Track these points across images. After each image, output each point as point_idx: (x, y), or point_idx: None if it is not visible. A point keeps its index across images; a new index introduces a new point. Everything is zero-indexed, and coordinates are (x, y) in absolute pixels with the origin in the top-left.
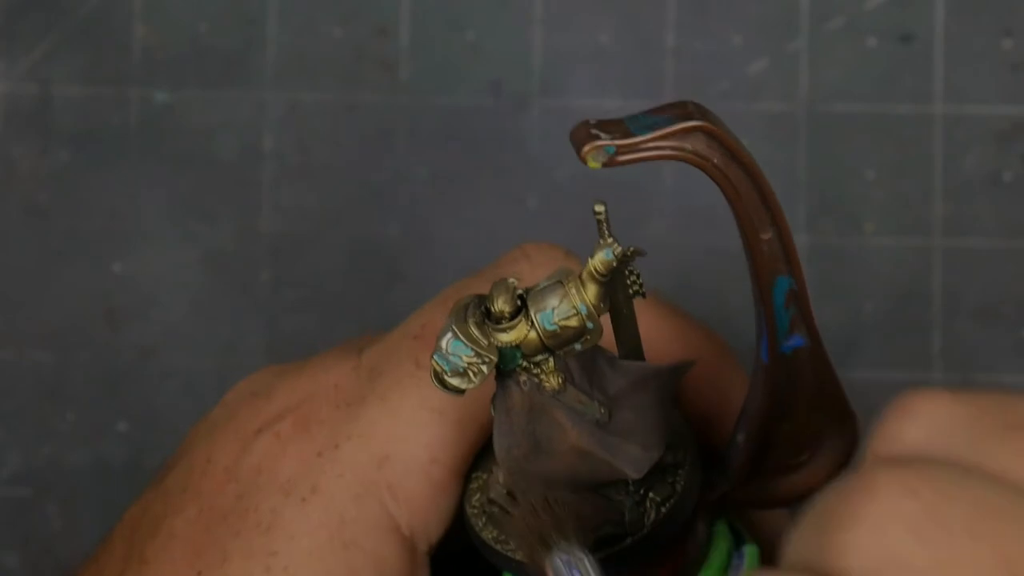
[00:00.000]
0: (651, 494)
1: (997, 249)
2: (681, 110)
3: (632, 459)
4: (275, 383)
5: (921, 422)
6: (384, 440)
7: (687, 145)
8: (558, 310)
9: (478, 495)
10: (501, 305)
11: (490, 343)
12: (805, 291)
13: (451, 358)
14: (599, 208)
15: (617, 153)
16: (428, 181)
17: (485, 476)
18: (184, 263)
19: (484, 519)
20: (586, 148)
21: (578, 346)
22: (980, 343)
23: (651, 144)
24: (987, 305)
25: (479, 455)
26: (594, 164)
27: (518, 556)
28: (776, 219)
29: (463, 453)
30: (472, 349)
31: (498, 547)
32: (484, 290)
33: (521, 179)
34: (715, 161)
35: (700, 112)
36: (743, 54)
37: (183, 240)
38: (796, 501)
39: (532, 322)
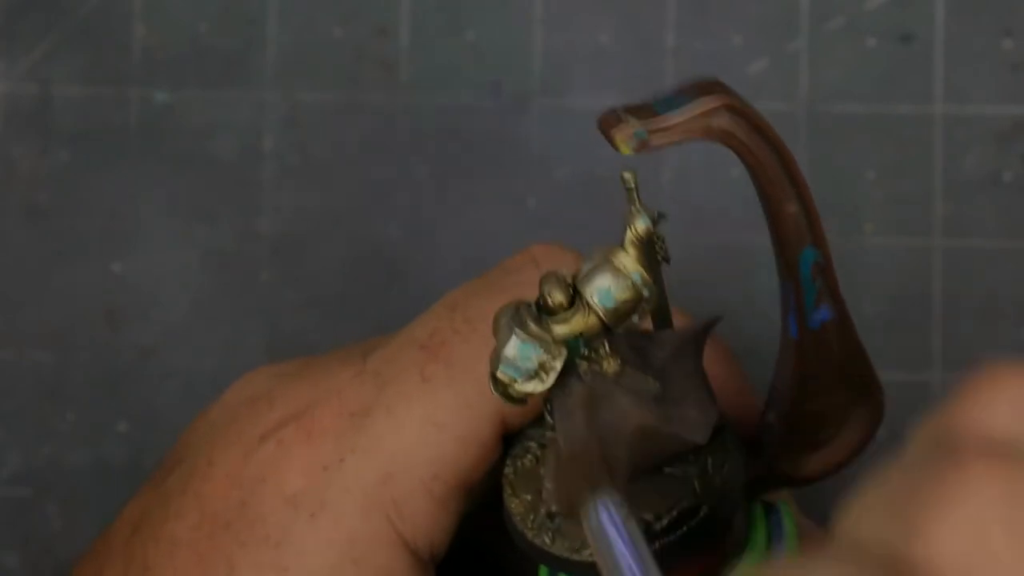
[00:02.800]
0: (710, 459)
1: (997, 249)
2: (704, 88)
3: (694, 425)
4: (276, 387)
5: (1011, 401)
6: (389, 456)
7: (713, 123)
8: (614, 286)
9: (532, 516)
10: (558, 297)
11: (554, 338)
12: (831, 263)
13: (521, 363)
14: (628, 176)
15: (648, 137)
16: (428, 181)
17: (530, 497)
18: (184, 263)
19: (550, 535)
20: (618, 135)
21: (635, 318)
22: (980, 343)
23: (680, 126)
24: (987, 305)
25: (510, 481)
26: (626, 150)
27: (594, 559)
28: (801, 191)
29: (464, 469)
30: (542, 347)
31: (576, 557)
32: (492, 295)
33: (521, 179)
34: (740, 136)
35: (722, 88)
36: (743, 54)
37: (183, 240)
38: (824, 477)
39: (589, 306)
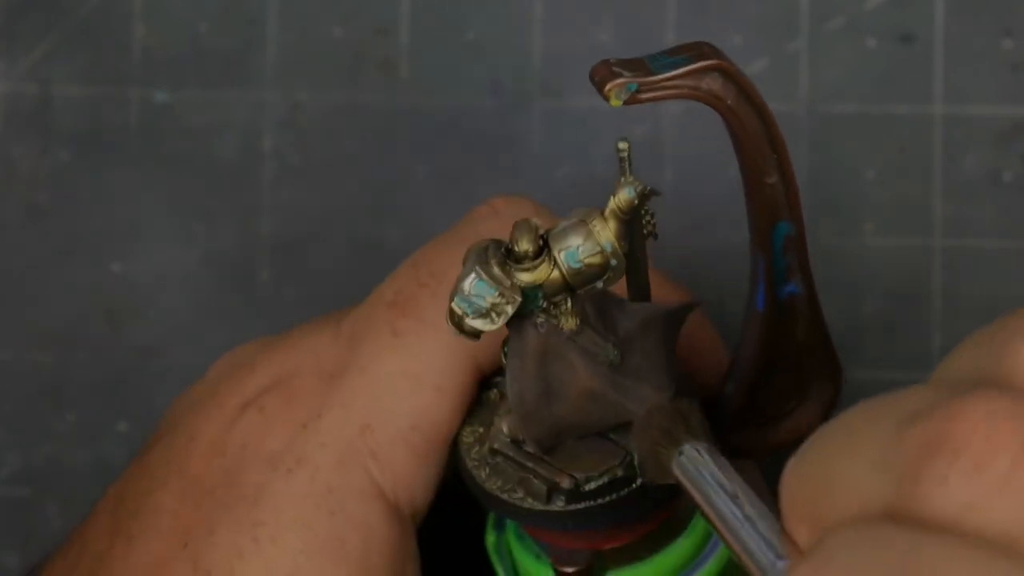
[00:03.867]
0: None
1: (997, 249)
2: (697, 50)
3: (643, 400)
4: (257, 355)
5: None
6: (365, 409)
7: (703, 84)
8: (582, 248)
9: (477, 448)
10: (525, 245)
11: (513, 283)
12: (804, 238)
13: (474, 299)
14: (622, 145)
15: (639, 91)
16: (428, 181)
17: (482, 429)
18: (184, 263)
19: (487, 470)
20: (609, 85)
21: (600, 284)
22: None
23: (671, 83)
24: (987, 305)
25: (471, 411)
26: (616, 102)
27: (527, 504)
28: (782, 163)
29: (443, 419)
30: (496, 289)
31: (504, 496)
32: (454, 247)
33: (521, 179)
34: (729, 101)
35: (715, 53)
36: (743, 54)
37: (183, 240)
38: (782, 450)
39: (555, 261)
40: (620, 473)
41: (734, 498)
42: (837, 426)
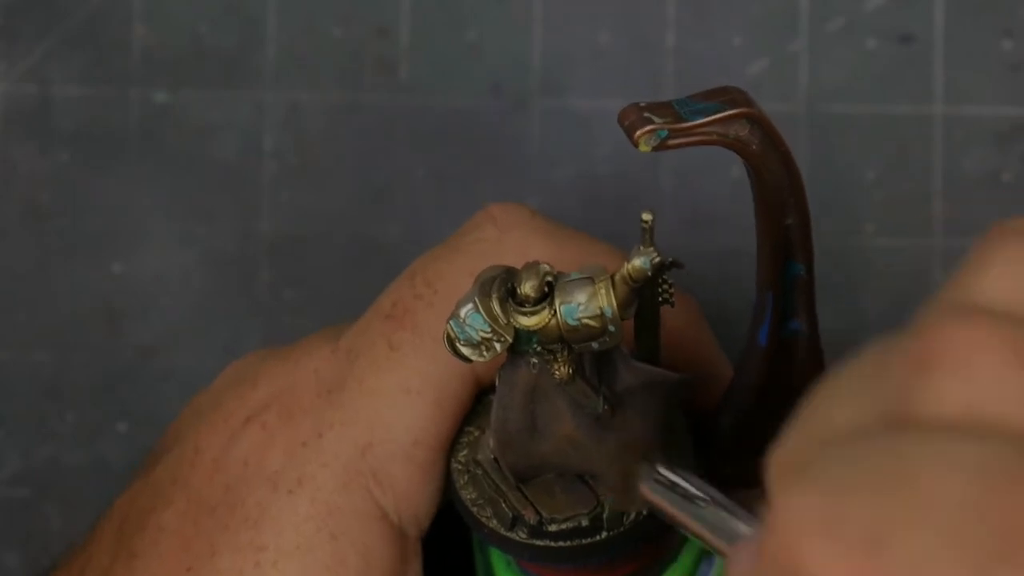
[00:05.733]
0: None
1: None
2: (726, 96)
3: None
4: (259, 370)
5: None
6: (366, 426)
7: (731, 131)
8: (584, 307)
9: (466, 451)
10: (528, 289)
11: (508, 323)
12: (812, 279)
13: (467, 328)
14: (647, 217)
15: (669, 137)
16: (428, 181)
17: (477, 433)
18: (184, 263)
19: (466, 477)
20: (639, 132)
21: (595, 345)
22: None
23: (701, 130)
24: None
25: (472, 411)
26: (645, 148)
27: (491, 524)
28: (799, 206)
29: (445, 432)
30: (490, 325)
31: (474, 510)
32: (450, 256)
33: (521, 179)
34: (754, 147)
35: (745, 100)
36: (743, 54)
37: (183, 240)
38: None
39: (555, 312)
40: (584, 523)
41: (708, 500)
42: (826, 387)
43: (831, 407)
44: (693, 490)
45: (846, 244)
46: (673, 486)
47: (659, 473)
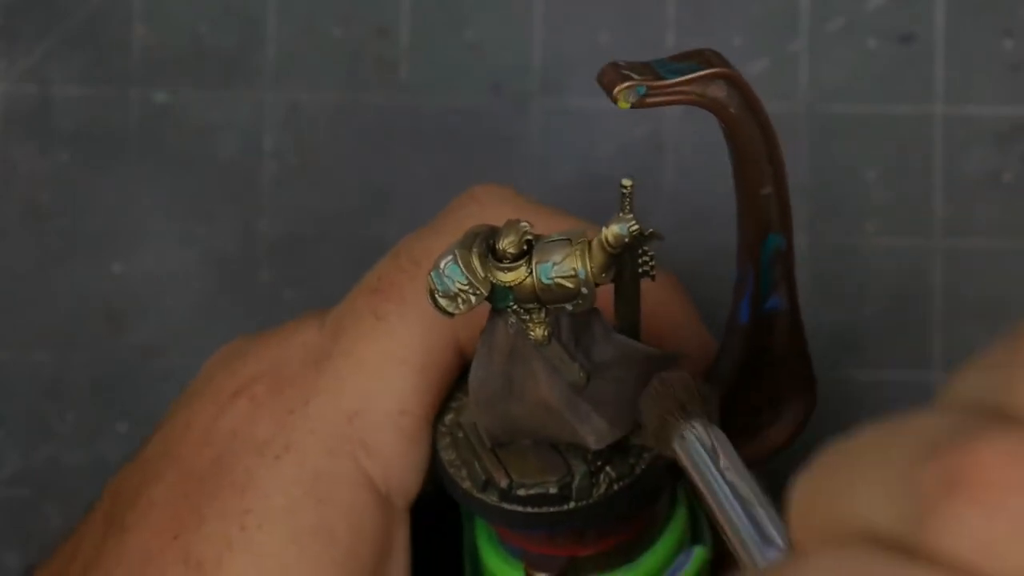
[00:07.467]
0: (608, 468)
1: (997, 249)
2: (702, 58)
3: (596, 430)
4: (249, 347)
5: None
6: (352, 395)
7: (709, 91)
8: (558, 266)
9: (451, 416)
10: (506, 245)
11: (485, 277)
12: (792, 253)
13: (445, 280)
14: (626, 183)
15: (647, 94)
16: (428, 181)
17: (464, 399)
18: (184, 263)
19: (448, 439)
20: (618, 88)
21: (568, 307)
22: (980, 343)
23: (678, 88)
24: (987, 305)
25: (462, 378)
26: (624, 104)
27: (464, 485)
28: (778, 176)
29: (431, 400)
30: (466, 277)
31: (451, 471)
32: (433, 235)
33: (521, 179)
34: (732, 109)
35: (721, 60)
36: (743, 54)
37: (183, 240)
38: (751, 465)
39: (531, 270)
40: (552, 491)
41: (732, 482)
42: (851, 446)
43: (854, 494)
44: (727, 465)
45: (846, 244)
46: (701, 453)
47: (696, 429)
